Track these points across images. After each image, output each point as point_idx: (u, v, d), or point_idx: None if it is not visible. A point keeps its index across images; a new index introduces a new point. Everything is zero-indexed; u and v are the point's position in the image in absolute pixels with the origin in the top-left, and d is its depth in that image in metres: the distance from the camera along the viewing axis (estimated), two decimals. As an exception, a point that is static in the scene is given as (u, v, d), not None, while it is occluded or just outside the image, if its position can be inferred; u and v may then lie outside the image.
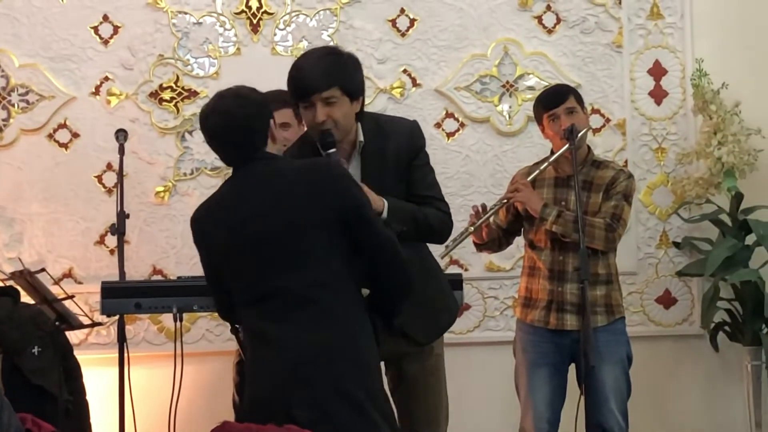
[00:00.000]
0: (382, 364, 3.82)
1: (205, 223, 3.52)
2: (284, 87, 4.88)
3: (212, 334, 5.60)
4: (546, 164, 4.53)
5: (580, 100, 4.61)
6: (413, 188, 3.86)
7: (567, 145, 4.40)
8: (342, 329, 3.32)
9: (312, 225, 3.33)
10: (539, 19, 5.85)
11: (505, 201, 4.51)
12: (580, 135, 4.44)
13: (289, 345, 3.29)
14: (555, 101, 4.57)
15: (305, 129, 3.97)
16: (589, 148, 4.67)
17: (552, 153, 4.58)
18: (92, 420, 4.93)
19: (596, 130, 5.75)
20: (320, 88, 3.67)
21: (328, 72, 3.69)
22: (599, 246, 4.46)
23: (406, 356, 3.94)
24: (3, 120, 5.63)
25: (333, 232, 3.34)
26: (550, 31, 5.85)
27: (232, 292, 3.47)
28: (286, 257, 3.34)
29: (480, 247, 4.66)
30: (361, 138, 3.82)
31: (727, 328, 5.67)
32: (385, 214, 3.69)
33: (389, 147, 3.84)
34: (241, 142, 3.43)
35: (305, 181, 3.39)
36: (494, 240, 4.64)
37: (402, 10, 5.79)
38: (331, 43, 5.70)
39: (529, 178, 4.53)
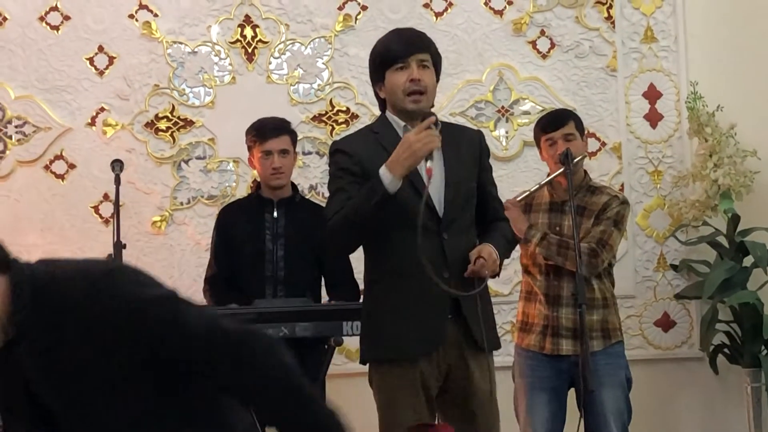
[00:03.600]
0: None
1: None
2: (280, 115, 5.00)
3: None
4: (538, 186, 4.53)
5: (580, 126, 4.61)
6: (486, 187, 3.92)
7: (562, 169, 4.40)
8: None
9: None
10: (533, 44, 5.86)
11: None
12: (576, 161, 4.44)
13: None
14: (553, 125, 4.57)
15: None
16: (585, 173, 4.67)
17: (548, 177, 4.58)
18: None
19: (592, 154, 5.75)
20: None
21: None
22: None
23: (471, 381, 3.76)
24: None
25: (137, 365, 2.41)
26: (544, 56, 5.86)
27: None
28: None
29: None
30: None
31: (726, 350, 5.65)
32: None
33: (462, 134, 3.92)
34: None
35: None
36: None
37: (396, 37, 5.81)
38: (326, 71, 5.73)
39: (519, 198, 4.53)
